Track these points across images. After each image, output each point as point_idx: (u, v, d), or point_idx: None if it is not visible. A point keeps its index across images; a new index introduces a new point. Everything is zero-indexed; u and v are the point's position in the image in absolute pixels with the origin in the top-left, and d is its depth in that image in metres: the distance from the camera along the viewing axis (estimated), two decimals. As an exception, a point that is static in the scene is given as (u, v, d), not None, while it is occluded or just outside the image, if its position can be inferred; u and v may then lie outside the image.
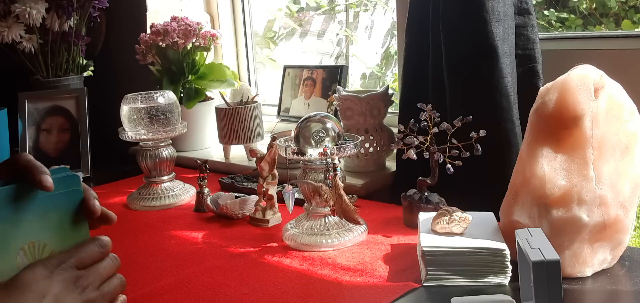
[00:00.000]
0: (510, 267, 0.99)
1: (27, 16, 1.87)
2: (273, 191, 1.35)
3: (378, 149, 1.58)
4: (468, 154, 1.20)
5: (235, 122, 1.75)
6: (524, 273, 0.87)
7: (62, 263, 0.71)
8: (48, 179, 0.70)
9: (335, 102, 1.62)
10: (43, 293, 0.68)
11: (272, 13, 2.56)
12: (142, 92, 1.54)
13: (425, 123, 1.23)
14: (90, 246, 0.74)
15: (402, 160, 1.28)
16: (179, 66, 1.91)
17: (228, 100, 1.83)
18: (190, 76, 1.93)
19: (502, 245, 1.00)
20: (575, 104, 0.98)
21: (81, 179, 0.75)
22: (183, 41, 1.86)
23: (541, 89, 1.04)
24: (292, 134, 1.24)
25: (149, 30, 1.92)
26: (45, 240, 0.71)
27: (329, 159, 1.15)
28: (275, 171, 1.34)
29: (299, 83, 1.98)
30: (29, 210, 0.70)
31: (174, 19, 1.89)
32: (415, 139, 1.23)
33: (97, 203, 0.76)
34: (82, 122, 1.92)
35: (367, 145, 1.57)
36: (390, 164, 1.62)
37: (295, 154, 1.20)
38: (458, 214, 1.05)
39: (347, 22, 2.60)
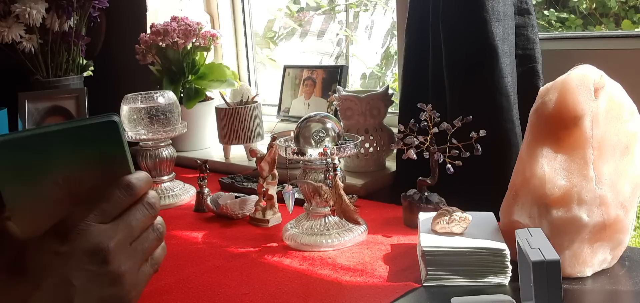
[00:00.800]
0: (510, 266, 0.99)
1: (27, 16, 1.87)
2: (273, 191, 1.35)
3: (378, 149, 1.58)
4: (468, 154, 1.20)
5: (235, 122, 1.75)
6: (524, 273, 0.87)
7: (78, 223, 0.54)
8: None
9: (335, 102, 1.62)
10: (61, 288, 0.52)
11: (272, 13, 2.56)
12: (142, 92, 1.54)
13: (425, 123, 1.23)
14: (114, 193, 0.57)
15: (402, 160, 1.27)
16: (179, 66, 1.91)
17: (228, 100, 1.82)
18: (190, 76, 1.93)
19: (502, 245, 0.99)
20: (575, 104, 0.98)
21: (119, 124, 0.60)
22: (183, 41, 1.86)
23: (541, 89, 1.04)
24: (292, 134, 1.24)
25: (149, 30, 1.92)
26: (81, 174, 0.59)
27: (329, 159, 1.15)
28: (275, 171, 1.34)
29: (299, 83, 1.98)
30: (60, 142, 0.59)
31: (174, 19, 1.89)
32: (415, 139, 1.23)
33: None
34: (82, 122, 1.91)
35: (367, 145, 1.57)
36: (390, 164, 1.62)
37: (295, 154, 1.20)
38: (458, 214, 1.05)
39: (347, 22, 2.60)
